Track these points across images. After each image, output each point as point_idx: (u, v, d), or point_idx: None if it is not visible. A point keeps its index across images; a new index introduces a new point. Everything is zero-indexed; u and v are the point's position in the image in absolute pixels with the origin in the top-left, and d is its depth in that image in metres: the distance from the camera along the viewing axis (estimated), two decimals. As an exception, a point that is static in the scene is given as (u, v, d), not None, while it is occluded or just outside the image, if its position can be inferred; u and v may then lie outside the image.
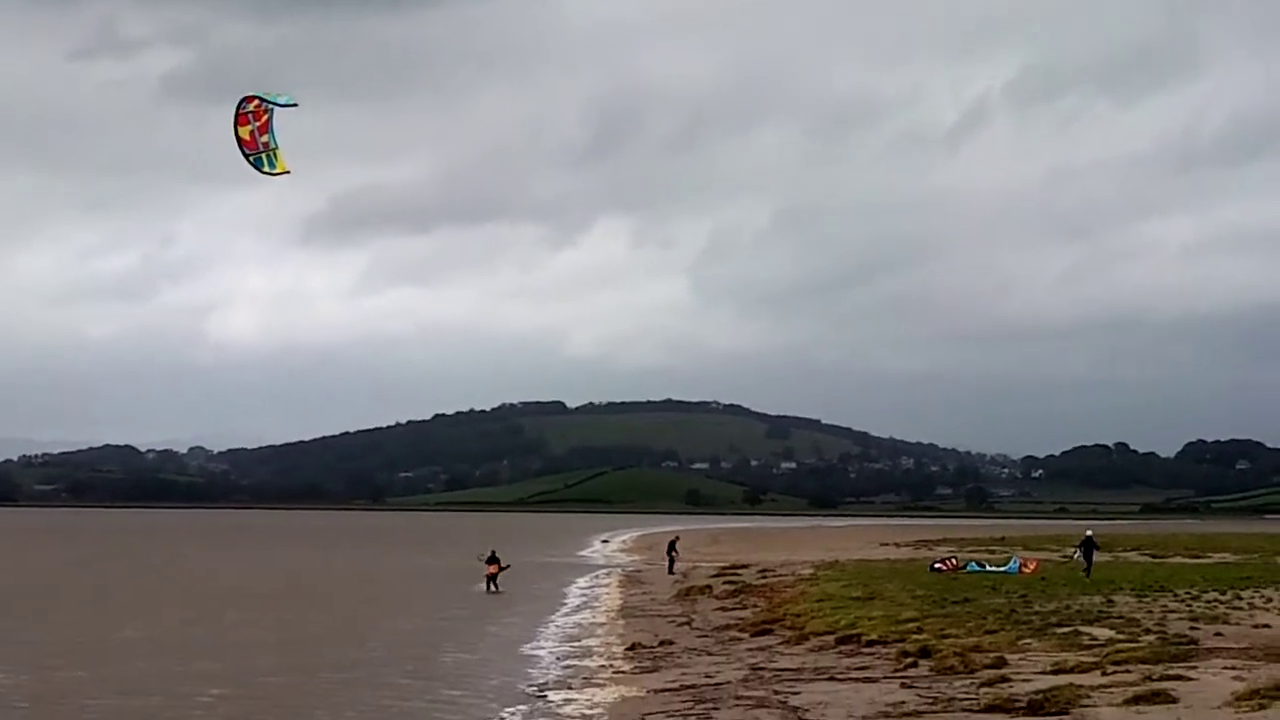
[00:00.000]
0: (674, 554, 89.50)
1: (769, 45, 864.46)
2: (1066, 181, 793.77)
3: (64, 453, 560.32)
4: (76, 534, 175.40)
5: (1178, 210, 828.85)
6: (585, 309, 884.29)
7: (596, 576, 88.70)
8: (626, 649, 43.23)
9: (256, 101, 33.82)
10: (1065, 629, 39.46)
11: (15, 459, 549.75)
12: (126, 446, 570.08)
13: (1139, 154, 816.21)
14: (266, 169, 33.96)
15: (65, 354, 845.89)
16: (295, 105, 34.02)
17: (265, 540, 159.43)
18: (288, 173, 34.23)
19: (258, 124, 33.85)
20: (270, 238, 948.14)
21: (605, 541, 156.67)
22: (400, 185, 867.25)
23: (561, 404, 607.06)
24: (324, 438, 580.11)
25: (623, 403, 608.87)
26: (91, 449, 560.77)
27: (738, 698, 30.91)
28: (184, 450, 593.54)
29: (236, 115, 33.84)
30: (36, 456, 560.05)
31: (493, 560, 73.33)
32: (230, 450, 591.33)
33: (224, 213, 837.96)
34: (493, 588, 71.40)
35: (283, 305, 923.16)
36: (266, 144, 33.85)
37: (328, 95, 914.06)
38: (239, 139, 33.74)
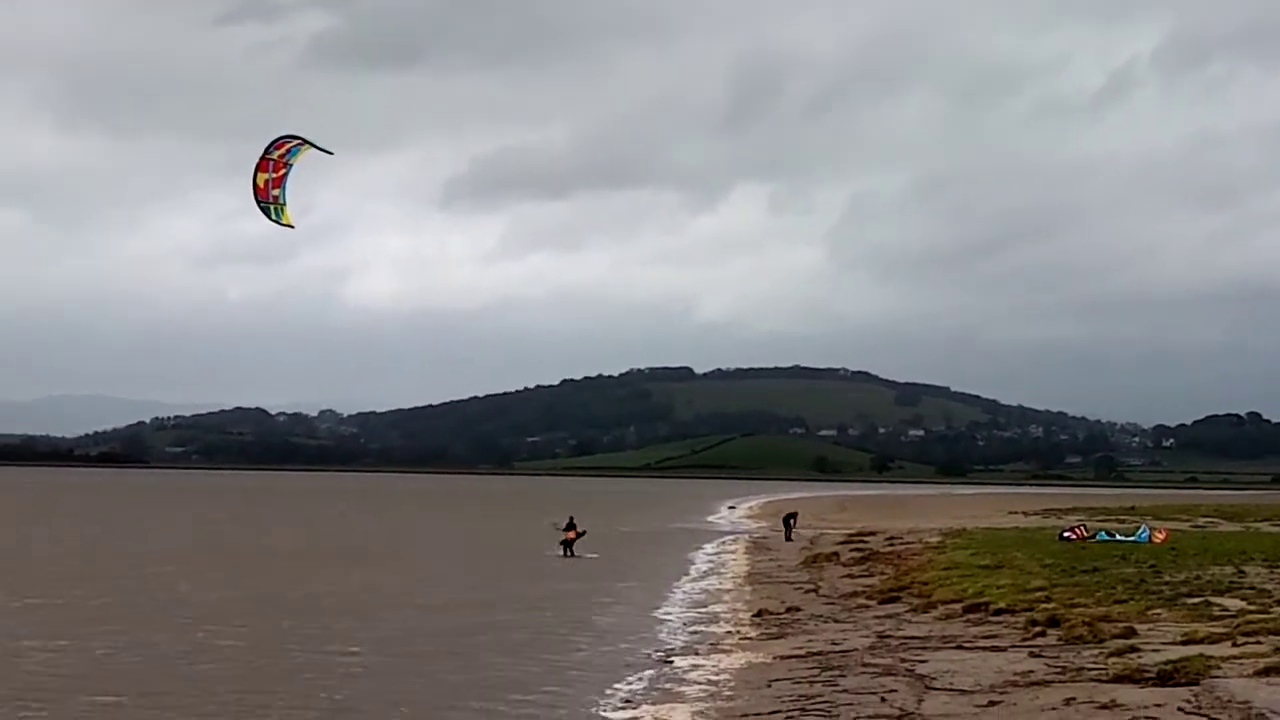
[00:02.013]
0: (792, 523, 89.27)
1: (913, 10, 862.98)
2: (1211, 148, 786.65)
3: (195, 415, 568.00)
4: (221, 498, 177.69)
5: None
6: (720, 275, 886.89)
7: (723, 543, 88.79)
8: (753, 615, 43.26)
9: (285, 148, 34.73)
10: (1195, 599, 39.10)
11: (148, 421, 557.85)
12: (257, 409, 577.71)
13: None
14: (273, 218, 35.12)
15: (203, 317, 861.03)
16: (331, 154, 35.33)
17: (399, 502, 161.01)
18: (291, 227, 35.42)
19: (274, 175, 35.07)
20: (410, 202, 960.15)
21: (732, 508, 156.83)
22: (541, 150, 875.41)
23: (689, 370, 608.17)
24: (453, 402, 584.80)
25: (750, 369, 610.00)
26: (223, 411, 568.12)
27: (864, 665, 30.90)
28: (314, 413, 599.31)
29: (261, 158, 34.89)
30: (168, 419, 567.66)
31: (570, 527, 73.64)
32: (360, 414, 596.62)
33: (366, 177, 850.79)
34: (569, 553, 71.55)
35: (420, 269, 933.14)
36: (276, 198, 35.13)
37: (474, 61, 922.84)
38: (254, 184, 34.79)
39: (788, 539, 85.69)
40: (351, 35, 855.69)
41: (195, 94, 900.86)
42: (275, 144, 35.35)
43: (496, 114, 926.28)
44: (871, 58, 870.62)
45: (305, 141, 35.51)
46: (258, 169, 35.23)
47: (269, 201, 35.28)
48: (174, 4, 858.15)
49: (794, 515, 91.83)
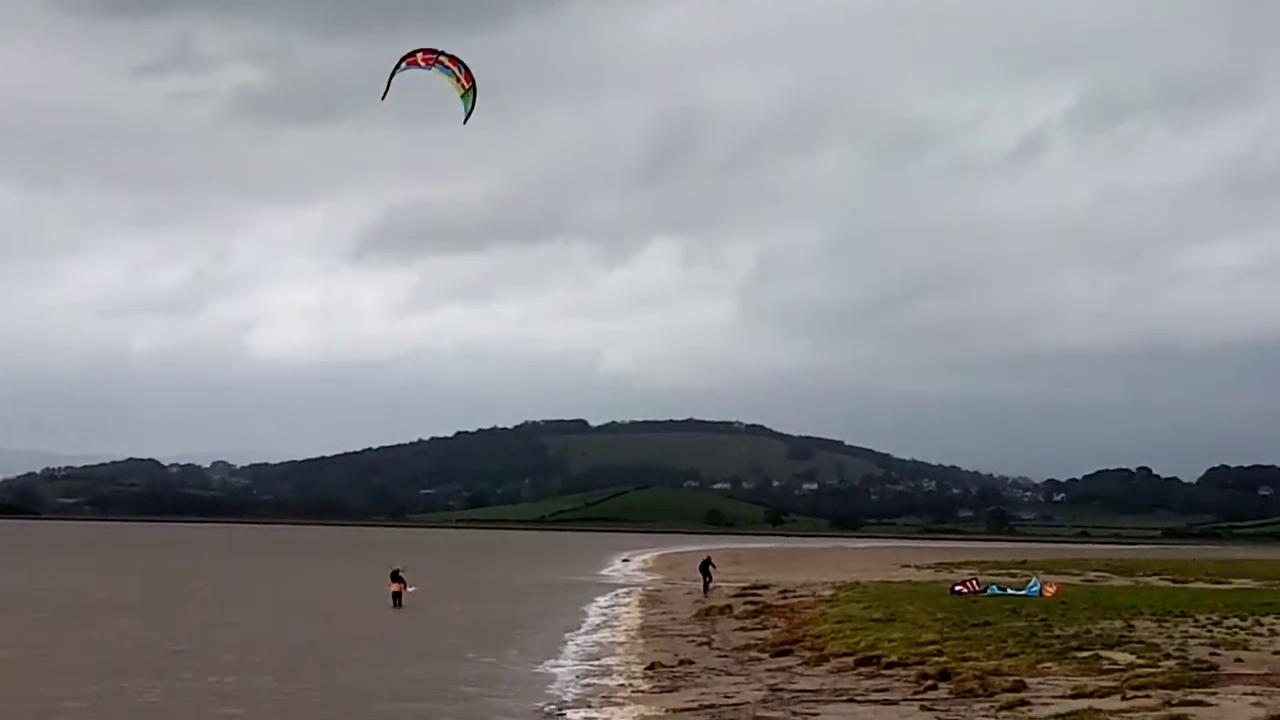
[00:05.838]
0: (710, 571, 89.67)
1: (830, 68, 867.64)
2: (1118, 206, 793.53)
3: (87, 466, 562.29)
4: (113, 549, 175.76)
5: (1227, 236, 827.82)
6: (629, 329, 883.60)
7: (617, 595, 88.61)
8: (646, 668, 43.18)
9: (448, 64, 35.29)
10: (1085, 653, 39.39)
11: (39, 472, 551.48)
12: (149, 460, 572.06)
13: (1193, 180, 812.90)
14: (398, 67, 36.03)
15: (105, 368, 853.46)
16: (467, 117, 36.03)
17: (285, 554, 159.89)
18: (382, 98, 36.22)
19: (420, 57, 35.33)
20: (323, 254, 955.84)
21: (626, 560, 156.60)
22: (456, 203, 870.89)
23: (584, 422, 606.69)
24: (347, 454, 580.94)
25: (645, 422, 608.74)
26: (115, 462, 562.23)
27: (756, 718, 30.90)
28: (207, 465, 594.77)
29: (425, 51, 35.38)
30: (60, 469, 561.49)
31: (396, 578, 72.99)
32: (252, 465, 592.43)
33: (280, 229, 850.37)
34: (399, 604, 71.12)
35: (327, 321, 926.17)
36: (401, 68, 35.60)
37: (392, 114, 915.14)
38: (408, 55, 35.34)
39: (706, 591, 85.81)
40: (276, 89, 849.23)
41: (111, 144, 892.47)
42: (454, 60, 35.76)
43: (412, 168, 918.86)
44: (788, 114, 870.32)
45: (465, 89, 35.77)
46: (419, 53, 35.72)
47: (404, 65, 35.67)
48: (91, 54, 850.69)
49: (709, 562, 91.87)
